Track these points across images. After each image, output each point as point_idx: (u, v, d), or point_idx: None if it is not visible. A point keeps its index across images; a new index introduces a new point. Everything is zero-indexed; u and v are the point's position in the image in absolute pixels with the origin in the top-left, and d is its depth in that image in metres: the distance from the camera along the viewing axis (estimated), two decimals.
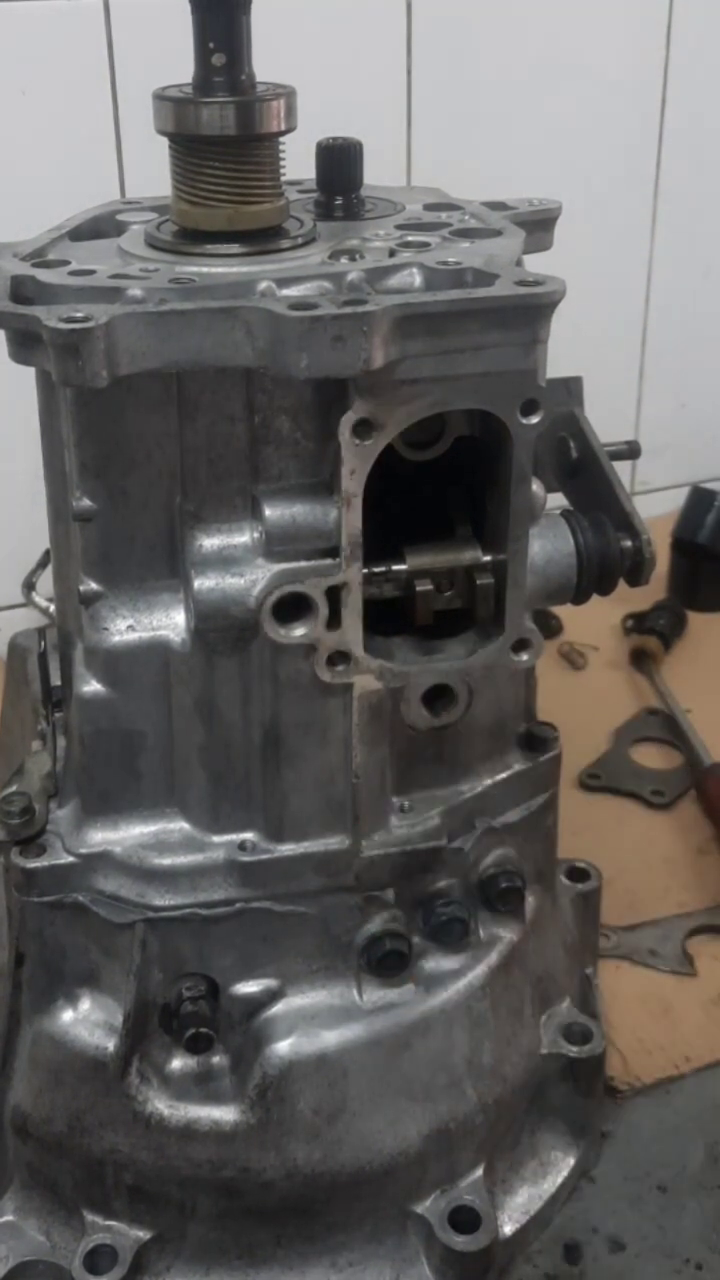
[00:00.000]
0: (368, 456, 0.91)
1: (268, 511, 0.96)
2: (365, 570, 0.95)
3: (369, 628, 0.97)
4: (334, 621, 0.96)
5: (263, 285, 0.92)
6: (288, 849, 1.04)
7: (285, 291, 0.92)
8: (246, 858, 1.03)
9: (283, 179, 1.03)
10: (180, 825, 1.05)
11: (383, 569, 0.98)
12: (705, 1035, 1.28)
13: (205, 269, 0.96)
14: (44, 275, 0.93)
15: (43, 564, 1.15)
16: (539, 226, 1.13)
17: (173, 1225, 1.06)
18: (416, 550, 0.99)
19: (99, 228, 1.10)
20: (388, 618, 1.00)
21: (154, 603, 1.00)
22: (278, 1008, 1.05)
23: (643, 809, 1.59)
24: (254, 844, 1.04)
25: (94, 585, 1.00)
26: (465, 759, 1.09)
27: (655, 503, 1.88)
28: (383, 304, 0.86)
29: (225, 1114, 1.03)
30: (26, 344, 0.90)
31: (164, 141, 1.02)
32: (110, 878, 1.03)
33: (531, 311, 0.90)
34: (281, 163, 1.02)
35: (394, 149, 1.77)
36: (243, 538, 0.98)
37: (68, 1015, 1.05)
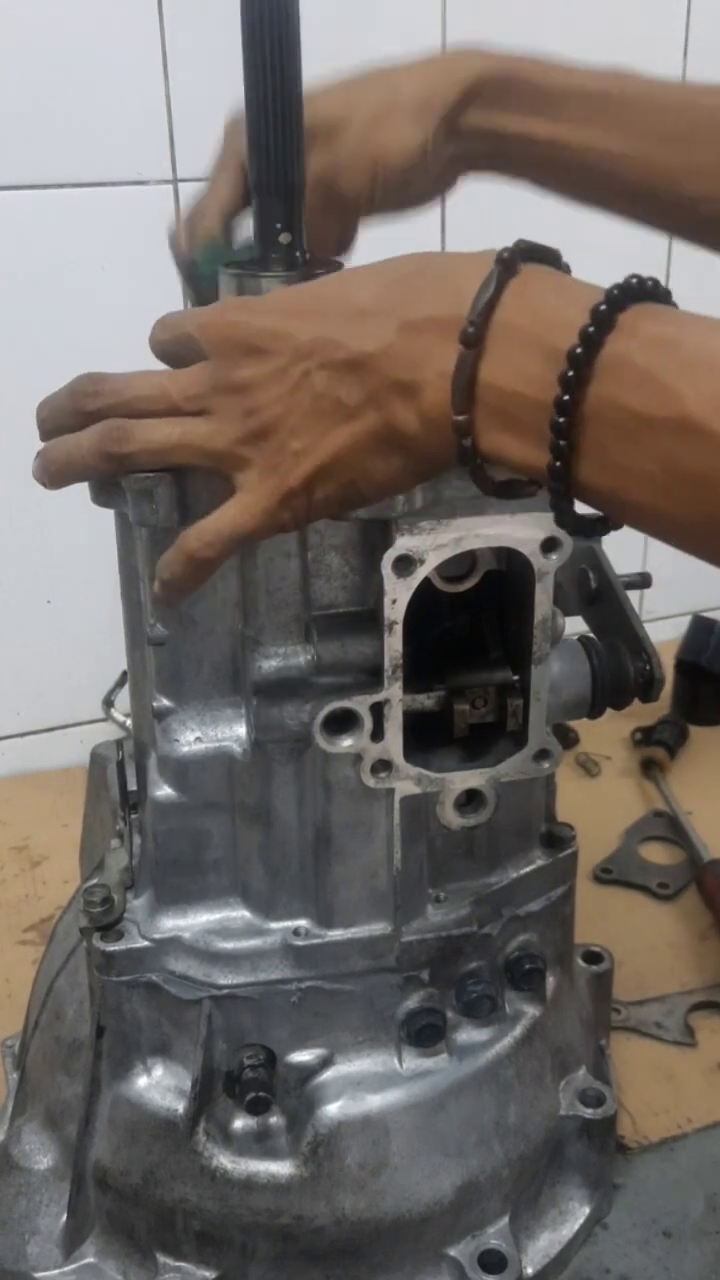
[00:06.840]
0: (408, 588, 0.92)
1: (319, 636, 0.98)
2: (406, 689, 0.96)
3: (409, 739, 0.98)
4: (378, 734, 0.97)
5: None
6: (337, 935, 1.05)
7: None
8: (300, 942, 1.04)
9: None
10: (242, 913, 1.06)
11: (424, 687, 0.99)
12: (705, 1099, 1.28)
13: None
14: None
15: (120, 683, 1.15)
16: None
17: (235, 1266, 1.06)
18: (455, 672, 1.00)
19: None
20: (426, 730, 1.00)
21: (219, 717, 1.02)
22: (328, 1074, 1.06)
23: (650, 899, 1.59)
24: (307, 930, 1.05)
25: (166, 702, 1.01)
26: (493, 855, 1.10)
27: (662, 629, 1.87)
28: None
29: (281, 1168, 1.04)
30: (106, 490, 0.92)
31: None
32: (180, 959, 1.04)
33: None
34: None
35: None
36: (297, 659, 0.99)
37: (142, 1081, 1.06)
